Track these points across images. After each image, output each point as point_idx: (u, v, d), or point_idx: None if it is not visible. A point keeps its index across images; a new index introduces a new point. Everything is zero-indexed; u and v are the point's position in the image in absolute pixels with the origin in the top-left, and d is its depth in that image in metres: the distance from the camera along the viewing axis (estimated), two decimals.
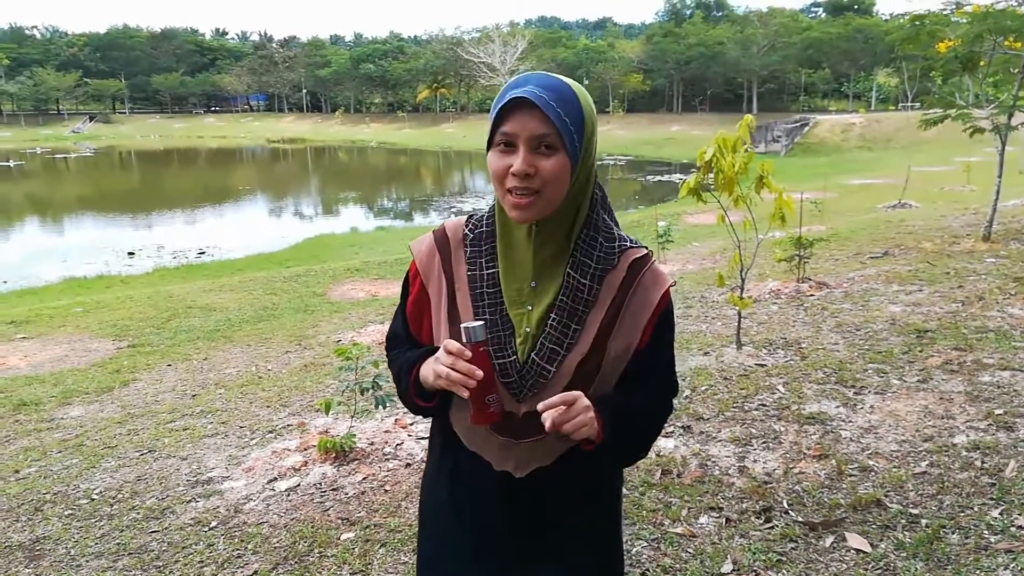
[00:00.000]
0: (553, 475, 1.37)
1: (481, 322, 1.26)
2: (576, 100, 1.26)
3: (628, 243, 1.39)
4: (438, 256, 1.42)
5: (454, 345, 1.24)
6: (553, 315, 1.32)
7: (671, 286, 1.39)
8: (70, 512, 3.54)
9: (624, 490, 3.23)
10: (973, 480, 3.11)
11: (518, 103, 1.22)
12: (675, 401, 4.13)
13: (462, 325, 1.25)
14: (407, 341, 1.48)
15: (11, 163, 45.51)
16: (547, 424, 1.21)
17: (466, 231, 1.42)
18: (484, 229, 1.39)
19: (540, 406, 1.22)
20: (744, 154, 4.22)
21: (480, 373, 1.22)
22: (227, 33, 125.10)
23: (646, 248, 1.39)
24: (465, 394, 1.24)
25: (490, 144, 1.27)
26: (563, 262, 1.33)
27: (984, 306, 5.76)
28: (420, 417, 1.52)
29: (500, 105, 1.23)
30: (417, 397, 1.40)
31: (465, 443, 1.41)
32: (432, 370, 1.29)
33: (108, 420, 5.03)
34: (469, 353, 1.24)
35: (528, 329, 1.32)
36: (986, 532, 2.72)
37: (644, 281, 1.35)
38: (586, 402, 1.24)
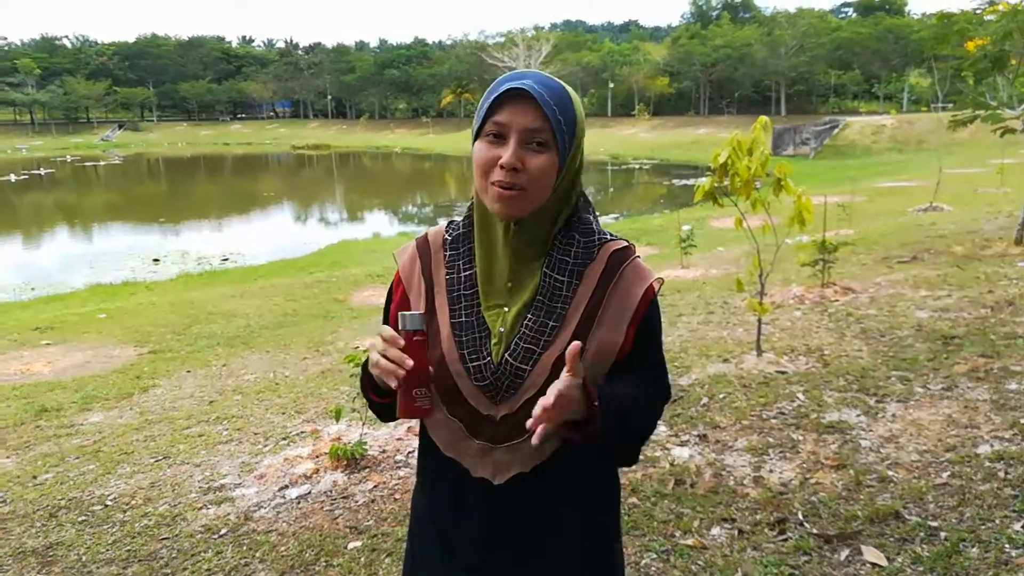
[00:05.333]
0: (534, 482, 1.31)
1: (420, 312, 1.23)
2: (571, 102, 1.24)
3: (607, 236, 1.34)
4: (419, 262, 1.41)
5: (388, 332, 1.21)
6: (529, 314, 1.28)
7: (657, 283, 1.33)
8: (84, 518, 3.56)
9: (635, 500, 3.19)
10: (995, 492, 3.01)
11: (515, 94, 1.20)
12: (694, 410, 4.10)
13: (399, 312, 1.22)
14: None
15: (41, 171, 46.33)
16: (533, 418, 1.16)
17: (446, 235, 1.40)
18: (462, 231, 1.37)
19: (532, 423, 1.17)
20: (760, 155, 4.14)
21: (410, 362, 1.19)
22: (253, 40, 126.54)
23: (627, 242, 1.35)
24: (394, 383, 1.21)
25: (478, 134, 1.24)
26: (541, 261, 1.30)
27: (1014, 312, 5.61)
28: (385, 421, 1.47)
29: (496, 95, 1.20)
30: (372, 392, 1.37)
31: (441, 449, 1.37)
32: (369, 357, 1.25)
33: (126, 426, 5.07)
34: (402, 341, 1.20)
35: (502, 329, 1.29)
36: (1007, 546, 2.63)
37: (625, 275, 1.31)
38: (576, 381, 1.17)
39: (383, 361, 1.20)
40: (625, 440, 1.33)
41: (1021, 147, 10.79)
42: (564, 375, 1.17)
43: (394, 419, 1.41)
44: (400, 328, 1.22)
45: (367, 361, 1.34)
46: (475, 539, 1.37)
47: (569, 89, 1.25)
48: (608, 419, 1.22)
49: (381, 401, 1.37)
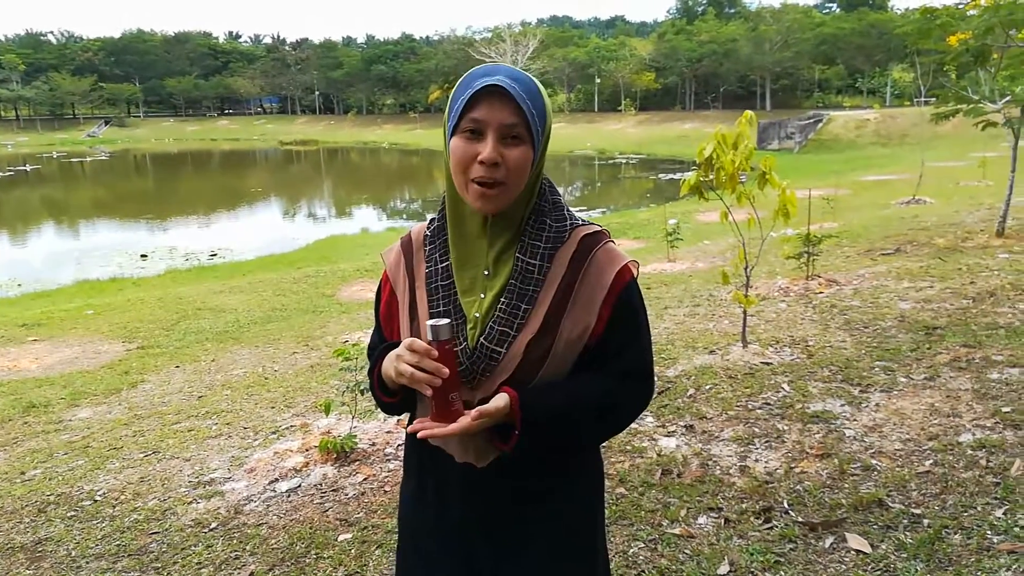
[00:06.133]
0: (516, 465, 1.34)
1: (447, 320, 1.25)
2: (540, 95, 1.28)
3: (580, 222, 1.37)
4: (403, 259, 1.45)
5: (420, 344, 1.23)
6: (503, 298, 1.31)
7: (633, 265, 1.36)
8: (72, 514, 3.55)
9: (623, 490, 3.22)
10: (978, 479, 3.06)
11: (490, 91, 1.22)
12: (680, 401, 4.13)
13: (428, 323, 1.24)
14: (381, 345, 1.48)
15: (27, 167, 45.98)
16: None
17: (427, 231, 1.43)
18: (438, 224, 1.40)
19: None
20: (745, 149, 4.18)
21: (446, 371, 1.22)
22: (240, 36, 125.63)
23: (599, 227, 1.38)
24: (429, 392, 1.23)
25: (453, 131, 1.26)
26: (515, 248, 1.33)
27: (995, 302, 5.69)
28: (394, 417, 1.50)
29: (471, 92, 1.22)
30: (381, 393, 1.41)
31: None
32: (393, 368, 1.28)
33: (115, 422, 5.07)
34: (436, 352, 1.22)
35: (478, 315, 1.32)
36: (989, 532, 2.67)
37: (597, 260, 1.33)
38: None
39: (418, 373, 1.22)
40: (571, 444, 1.37)
41: (1002, 141, 10.86)
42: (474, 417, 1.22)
43: (403, 411, 1.47)
44: (432, 339, 1.23)
45: (374, 365, 1.38)
46: (462, 525, 1.40)
47: (536, 81, 1.29)
48: (530, 440, 1.27)
49: (390, 400, 1.40)
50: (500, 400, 1.25)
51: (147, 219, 23.38)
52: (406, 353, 1.24)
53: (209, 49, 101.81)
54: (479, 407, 1.23)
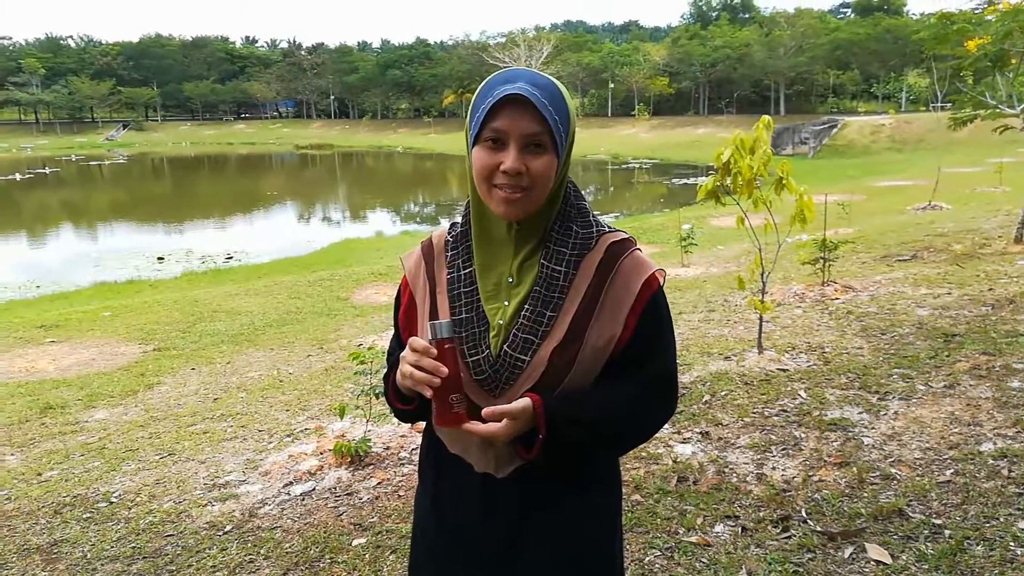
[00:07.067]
0: (536, 475, 1.32)
1: (448, 319, 1.23)
2: (563, 100, 1.25)
3: (606, 228, 1.36)
4: (423, 264, 1.43)
5: (419, 343, 1.22)
6: (527, 305, 1.29)
7: (660, 274, 1.34)
8: (88, 515, 3.57)
9: (639, 498, 3.20)
10: (1000, 489, 3.02)
11: (510, 100, 1.20)
12: (696, 407, 4.11)
13: (428, 322, 1.23)
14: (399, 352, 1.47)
15: (47, 170, 46.40)
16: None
17: (448, 236, 1.42)
18: (460, 230, 1.38)
19: (485, 412, 1.22)
20: (763, 154, 4.15)
21: (445, 371, 1.19)
22: (257, 41, 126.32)
23: (626, 234, 1.36)
24: (429, 393, 1.21)
25: (475, 140, 1.24)
26: (540, 254, 1.31)
27: (1015, 309, 5.62)
28: (408, 424, 1.48)
29: (492, 102, 1.20)
30: (397, 400, 1.39)
31: (447, 445, 1.39)
32: (399, 370, 1.26)
33: (131, 423, 5.09)
34: (435, 351, 1.20)
35: (501, 322, 1.30)
36: (1012, 544, 2.63)
37: (624, 268, 1.31)
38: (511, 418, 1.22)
39: (417, 372, 1.20)
40: (597, 447, 1.35)
41: (1020, 146, 10.81)
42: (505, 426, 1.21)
43: (417, 420, 1.43)
44: (432, 337, 1.22)
45: (389, 371, 1.35)
46: (479, 534, 1.38)
47: (558, 84, 1.26)
48: (554, 446, 1.25)
49: (405, 408, 1.38)
50: (523, 401, 1.22)
51: (164, 222, 23.54)
52: (408, 353, 1.23)
53: (226, 54, 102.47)
54: (499, 406, 1.21)
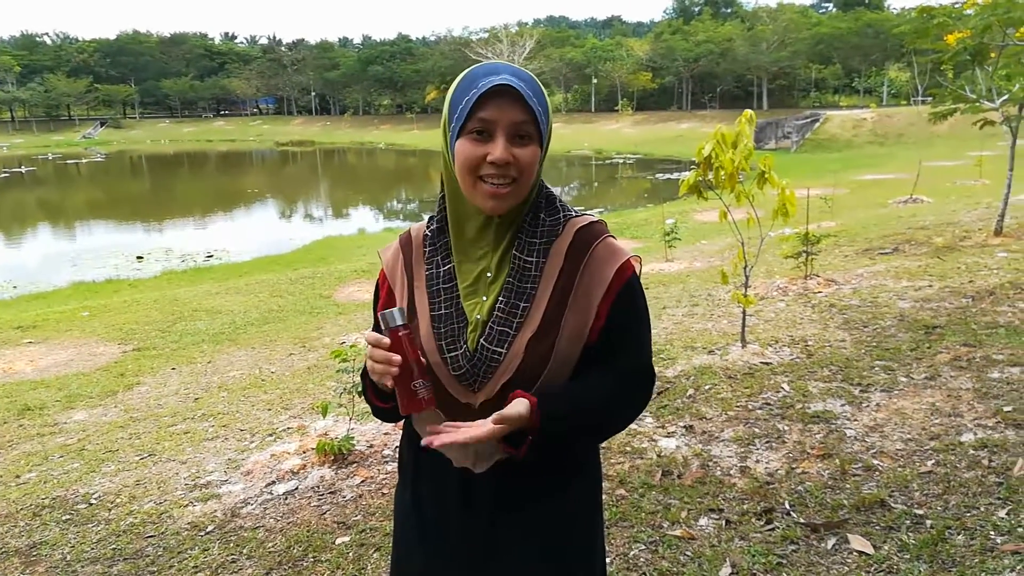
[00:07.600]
0: (515, 469, 1.31)
1: (399, 308, 1.23)
2: (543, 92, 1.26)
3: (573, 213, 1.35)
4: (401, 258, 1.42)
5: (371, 335, 1.22)
6: (501, 297, 1.28)
7: (635, 260, 1.33)
8: (68, 517, 3.52)
9: (623, 492, 3.20)
10: (980, 479, 3.04)
11: (497, 91, 1.19)
12: (680, 401, 4.11)
13: (379, 313, 1.23)
14: None
15: (23, 169, 45.84)
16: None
17: (426, 231, 1.41)
18: (436, 226, 1.37)
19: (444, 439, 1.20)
20: (744, 148, 4.15)
21: (398, 359, 1.19)
22: (236, 37, 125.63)
23: (594, 217, 1.35)
24: (390, 383, 1.21)
25: (459, 132, 1.23)
26: (512, 246, 1.31)
27: (995, 301, 5.67)
28: (387, 423, 1.47)
29: (479, 92, 1.19)
30: (376, 399, 1.38)
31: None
32: (366, 366, 1.27)
33: (110, 424, 5.03)
34: (387, 341, 1.20)
35: (479, 317, 1.30)
36: (992, 533, 2.65)
37: (597, 254, 1.30)
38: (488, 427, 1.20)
39: (375, 364, 1.21)
40: (579, 441, 1.35)
41: (999, 139, 10.91)
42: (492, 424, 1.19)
43: (400, 419, 1.42)
44: (384, 328, 1.22)
45: (365, 369, 1.34)
46: (458, 529, 1.37)
47: (535, 77, 1.27)
48: (542, 445, 1.24)
49: (384, 405, 1.37)
50: (520, 406, 1.21)
51: (143, 221, 23.32)
52: (367, 347, 1.23)
53: (205, 50, 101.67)
54: (500, 412, 1.19)
